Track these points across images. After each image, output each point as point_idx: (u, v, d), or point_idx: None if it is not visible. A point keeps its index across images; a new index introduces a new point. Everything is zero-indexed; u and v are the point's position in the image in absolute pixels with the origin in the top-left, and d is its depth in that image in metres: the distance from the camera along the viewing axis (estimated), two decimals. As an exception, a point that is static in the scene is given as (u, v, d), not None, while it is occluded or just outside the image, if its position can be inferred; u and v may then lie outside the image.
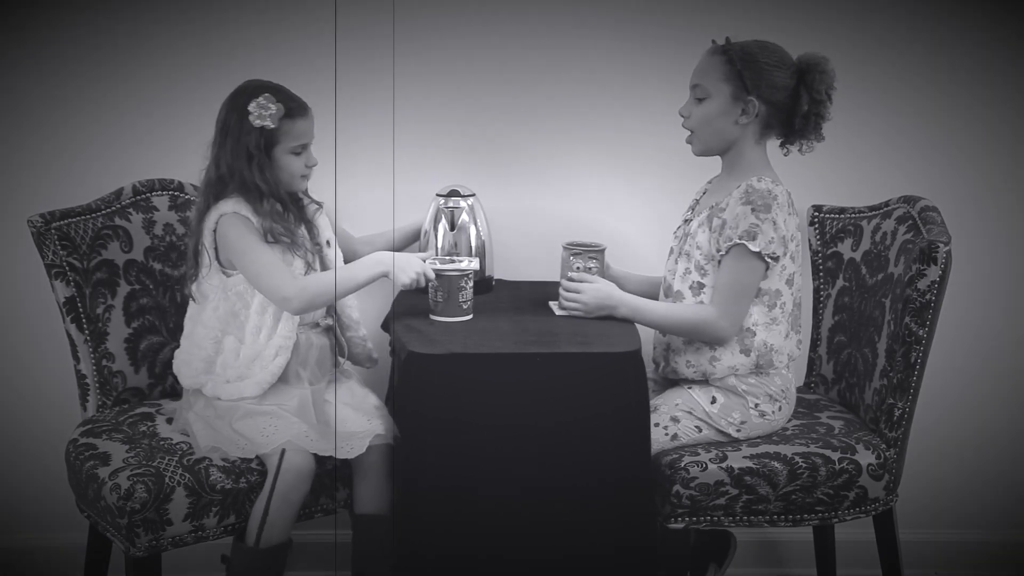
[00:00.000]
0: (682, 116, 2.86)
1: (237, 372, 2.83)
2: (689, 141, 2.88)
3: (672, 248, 2.95)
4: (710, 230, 2.82)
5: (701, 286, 2.83)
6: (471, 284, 2.86)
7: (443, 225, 3.11)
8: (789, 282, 2.82)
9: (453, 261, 2.91)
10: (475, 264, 2.89)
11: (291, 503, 2.70)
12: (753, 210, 2.74)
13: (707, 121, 2.82)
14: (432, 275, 2.80)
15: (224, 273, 2.83)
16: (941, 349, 3.01)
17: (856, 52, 3.25)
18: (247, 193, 2.80)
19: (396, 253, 2.85)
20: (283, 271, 2.79)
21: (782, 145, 2.88)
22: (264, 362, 2.82)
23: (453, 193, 3.13)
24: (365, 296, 2.96)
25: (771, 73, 2.78)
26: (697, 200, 2.97)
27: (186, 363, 2.87)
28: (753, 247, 2.74)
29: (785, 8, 3.24)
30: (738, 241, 2.75)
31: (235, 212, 2.79)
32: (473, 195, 3.14)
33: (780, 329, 2.83)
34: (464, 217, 3.11)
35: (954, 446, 3.41)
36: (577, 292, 2.85)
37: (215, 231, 2.81)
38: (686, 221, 2.94)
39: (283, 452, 2.69)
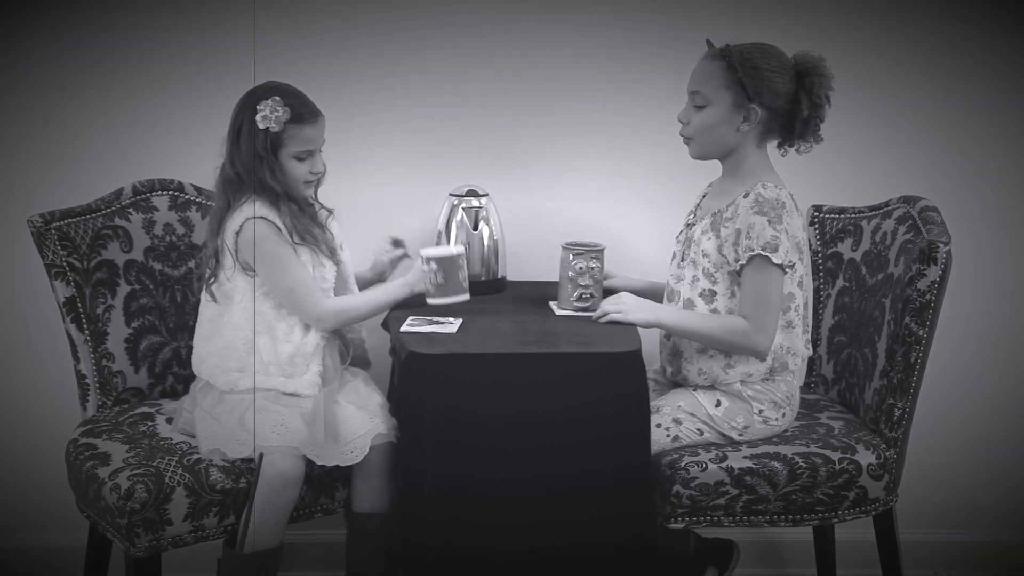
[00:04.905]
0: (680, 122, 2.85)
1: (281, 370, 2.83)
2: (687, 144, 2.87)
3: (675, 252, 2.95)
4: (717, 237, 2.81)
5: (712, 293, 2.82)
6: (465, 263, 2.88)
7: (462, 224, 3.12)
8: (800, 284, 2.82)
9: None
10: (463, 248, 2.92)
11: (277, 508, 2.68)
12: (770, 221, 2.73)
13: (707, 128, 2.80)
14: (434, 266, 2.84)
15: (248, 274, 2.83)
16: (941, 349, 3.01)
17: (856, 52, 3.25)
18: (265, 194, 2.81)
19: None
20: (317, 290, 2.82)
21: (779, 146, 2.86)
22: (305, 359, 2.83)
23: (470, 193, 3.16)
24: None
25: (772, 79, 2.76)
26: (698, 204, 2.96)
27: (218, 365, 2.85)
28: (776, 259, 2.73)
29: (784, 7, 3.24)
30: (760, 252, 2.73)
31: (263, 218, 2.79)
32: (487, 195, 3.16)
33: (796, 331, 2.83)
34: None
35: (954, 446, 3.42)
36: (613, 305, 2.84)
37: (238, 233, 2.81)
38: (688, 225, 2.94)
39: (261, 456, 2.68)
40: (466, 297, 2.89)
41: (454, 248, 2.90)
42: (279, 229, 2.80)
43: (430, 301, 2.87)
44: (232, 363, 2.84)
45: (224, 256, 2.83)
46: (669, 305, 2.88)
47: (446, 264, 2.85)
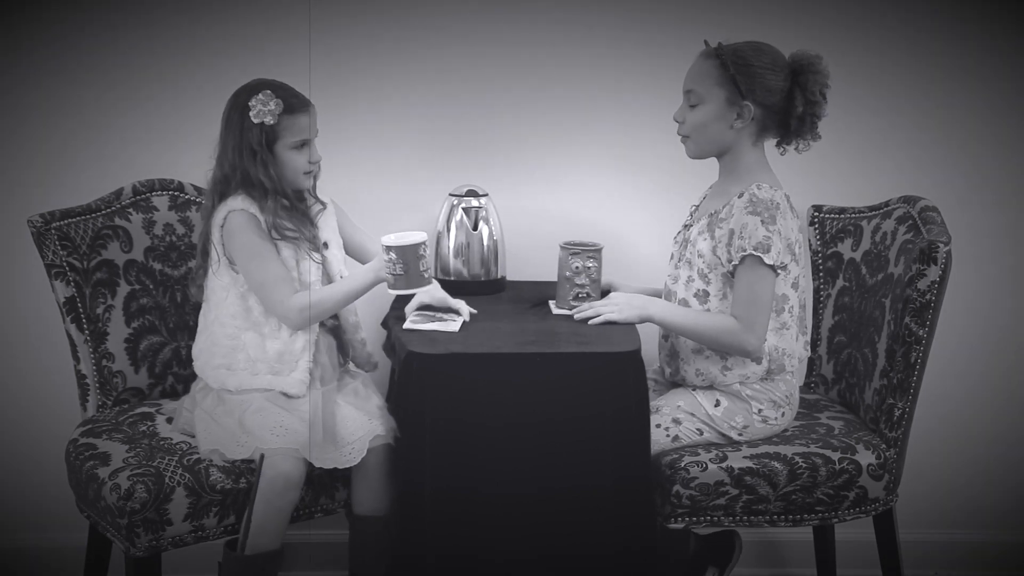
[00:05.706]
0: (676, 121, 2.86)
1: (269, 367, 2.83)
2: (684, 143, 2.87)
3: (673, 253, 2.95)
4: (712, 238, 2.81)
5: (706, 294, 2.83)
6: (428, 252, 2.76)
7: (461, 224, 3.12)
8: (794, 285, 2.82)
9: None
10: (424, 236, 2.77)
11: (278, 510, 2.68)
12: (763, 222, 2.73)
13: (702, 126, 2.81)
14: None
15: (233, 269, 2.83)
16: (941, 349, 3.01)
17: (856, 51, 3.25)
18: (252, 190, 2.80)
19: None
20: (287, 286, 2.79)
21: (778, 145, 2.87)
22: (294, 357, 2.83)
23: (470, 193, 3.16)
24: (365, 297, 2.96)
25: (765, 76, 2.77)
26: (696, 206, 2.97)
27: (207, 362, 2.86)
28: (767, 260, 2.73)
29: (785, 7, 3.24)
30: (752, 252, 2.73)
31: (243, 209, 2.79)
32: (487, 195, 3.16)
33: (790, 333, 2.83)
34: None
35: (954, 446, 3.42)
36: (603, 305, 2.85)
37: (222, 227, 2.81)
38: (686, 226, 2.94)
39: (262, 456, 2.68)
40: (428, 287, 2.78)
41: (415, 236, 2.73)
42: (259, 222, 2.80)
43: (390, 291, 2.78)
44: (219, 359, 2.84)
45: (211, 251, 2.83)
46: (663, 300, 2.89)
47: (405, 254, 2.72)
